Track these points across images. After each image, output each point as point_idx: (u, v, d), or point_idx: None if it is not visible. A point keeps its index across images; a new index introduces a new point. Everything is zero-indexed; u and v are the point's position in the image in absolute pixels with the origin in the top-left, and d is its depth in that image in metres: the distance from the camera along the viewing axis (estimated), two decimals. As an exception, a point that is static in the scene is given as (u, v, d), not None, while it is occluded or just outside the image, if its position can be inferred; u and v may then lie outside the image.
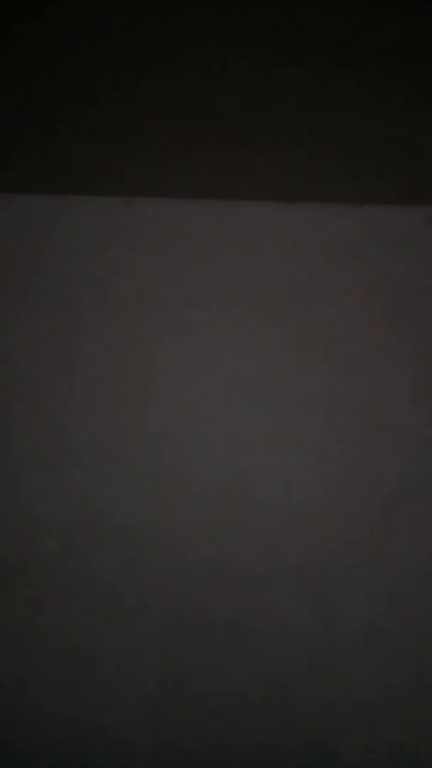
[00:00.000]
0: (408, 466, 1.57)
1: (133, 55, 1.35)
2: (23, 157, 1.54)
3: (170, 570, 1.55)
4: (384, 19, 1.34)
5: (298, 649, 1.54)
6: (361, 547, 1.55)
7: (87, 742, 1.53)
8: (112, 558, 1.55)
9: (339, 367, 1.58)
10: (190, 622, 1.54)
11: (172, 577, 1.55)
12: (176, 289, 1.59)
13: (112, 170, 1.57)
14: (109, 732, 1.53)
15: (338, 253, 1.60)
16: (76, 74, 1.38)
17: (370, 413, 1.57)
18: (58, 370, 1.57)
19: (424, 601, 1.54)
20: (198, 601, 1.54)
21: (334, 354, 1.58)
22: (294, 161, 1.55)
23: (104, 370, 1.58)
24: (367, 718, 1.53)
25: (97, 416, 1.57)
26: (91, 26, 1.28)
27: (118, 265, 1.60)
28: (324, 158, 1.55)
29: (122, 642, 1.54)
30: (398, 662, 1.54)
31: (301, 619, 1.54)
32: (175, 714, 1.53)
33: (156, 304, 1.59)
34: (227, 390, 1.58)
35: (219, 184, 1.59)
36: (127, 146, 1.53)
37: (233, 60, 1.37)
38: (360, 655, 1.54)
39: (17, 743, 1.53)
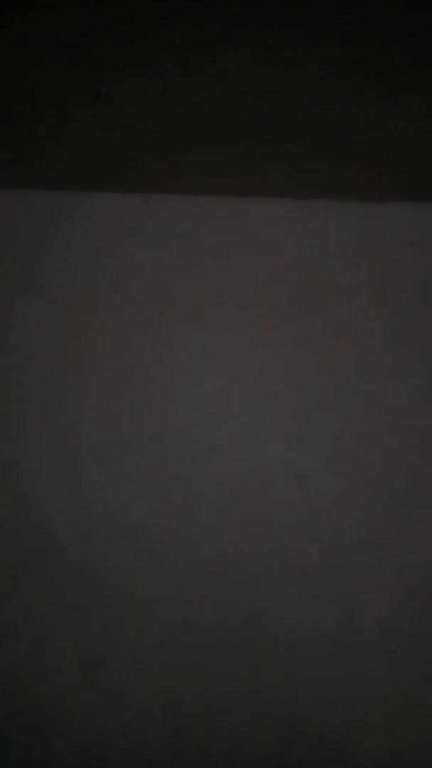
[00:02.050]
0: (423, 464, 1.57)
1: (148, 53, 1.35)
2: (39, 153, 1.54)
3: (185, 566, 1.55)
4: (396, 15, 1.34)
5: (313, 647, 1.54)
6: (376, 544, 1.55)
7: (101, 737, 1.54)
8: (127, 554, 1.55)
9: (354, 365, 1.58)
10: (204, 619, 1.55)
11: (187, 574, 1.55)
12: (191, 285, 1.59)
13: (127, 167, 1.57)
14: (123, 727, 1.54)
15: (354, 250, 1.60)
16: (92, 71, 1.38)
17: (386, 411, 1.57)
18: (72, 366, 1.58)
19: (438, 598, 1.55)
20: (212, 598, 1.55)
21: (349, 351, 1.58)
22: (309, 158, 1.55)
23: (119, 366, 1.58)
24: (382, 716, 1.53)
25: (111, 413, 1.57)
26: (107, 24, 1.28)
27: (133, 261, 1.60)
28: (339, 155, 1.55)
29: (136, 638, 1.55)
30: (413, 660, 1.54)
31: (315, 617, 1.54)
32: (189, 710, 1.54)
33: (171, 301, 1.59)
34: (242, 387, 1.58)
35: (234, 181, 1.59)
36: (142, 143, 1.53)
37: (247, 57, 1.36)
38: (374, 653, 1.54)
39: (32, 736, 1.54)
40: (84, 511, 1.56)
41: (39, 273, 1.60)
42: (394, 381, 1.58)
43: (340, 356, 1.58)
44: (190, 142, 1.52)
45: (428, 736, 1.54)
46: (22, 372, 1.58)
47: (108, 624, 1.55)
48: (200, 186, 1.60)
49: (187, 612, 1.55)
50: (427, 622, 1.55)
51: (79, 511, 1.56)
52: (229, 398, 1.58)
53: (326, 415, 1.57)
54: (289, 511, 1.56)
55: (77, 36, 1.32)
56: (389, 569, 1.55)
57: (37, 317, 1.59)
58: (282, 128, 1.51)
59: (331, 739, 1.53)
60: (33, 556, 1.55)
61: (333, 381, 1.58)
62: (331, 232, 1.60)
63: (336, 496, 1.56)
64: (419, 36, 1.36)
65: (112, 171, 1.58)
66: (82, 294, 1.59)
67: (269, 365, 1.58)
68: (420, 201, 1.61)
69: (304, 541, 1.55)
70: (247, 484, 1.56)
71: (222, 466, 1.56)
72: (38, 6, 1.23)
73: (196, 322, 1.59)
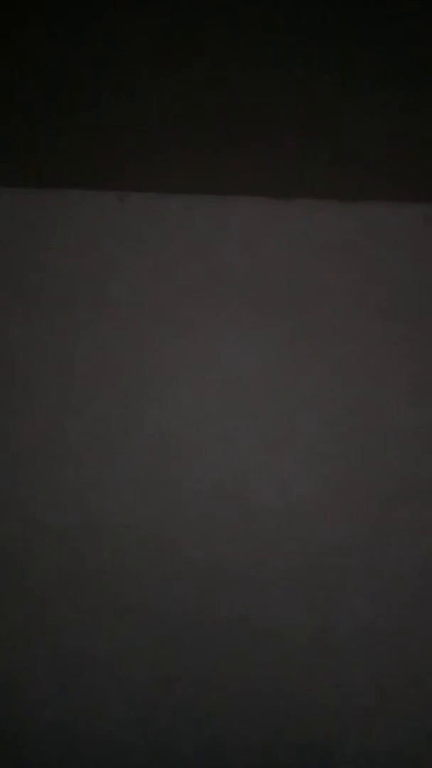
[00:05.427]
0: (404, 466, 1.56)
1: (128, 49, 1.33)
2: (15, 151, 1.52)
3: (165, 571, 1.53)
4: (383, 16, 1.33)
5: (295, 651, 1.53)
6: (357, 547, 1.55)
7: (81, 745, 1.52)
8: (106, 558, 1.53)
9: (335, 366, 1.57)
10: (185, 624, 1.53)
11: (168, 578, 1.53)
12: (171, 285, 1.57)
13: (105, 165, 1.55)
14: (103, 735, 1.52)
15: (335, 250, 1.59)
16: (70, 69, 1.36)
17: (367, 413, 1.57)
18: (52, 368, 1.55)
19: (420, 602, 1.54)
20: (193, 603, 1.53)
21: (331, 353, 1.57)
22: (291, 157, 1.54)
23: (99, 368, 1.56)
24: (365, 720, 1.53)
25: (93, 415, 1.55)
26: (88, 21, 1.26)
27: (112, 261, 1.57)
28: (321, 154, 1.54)
29: (117, 644, 1.53)
30: (395, 664, 1.54)
31: (297, 621, 1.54)
32: (170, 717, 1.52)
33: (151, 301, 1.57)
34: (223, 389, 1.56)
35: (214, 179, 1.57)
36: (121, 140, 1.50)
37: (230, 55, 1.35)
38: (357, 657, 1.54)
39: (11, 746, 1.52)
40: (63, 515, 1.53)
41: (15, 273, 1.57)
42: (376, 383, 1.57)
43: (321, 358, 1.57)
44: (170, 140, 1.51)
45: (410, 737, 1.53)
46: (0, 374, 1.55)
47: (87, 630, 1.53)
48: (179, 184, 1.58)
49: (168, 618, 1.53)
50: (408, 624, 1.54)
51: (58, 514, 1.53)
52: (209, 401, 1.56)
53: (307, 418, 1.56)
54: (271, 514, 1.54)
55: (60, 37, 1.30)
56: (370, 572, 1.55)
57: (13, 318, 1.56)
58: (262, 128, 1.49)
59: (314, 743, 1.53)
60: (12, 560, 1.53)
61: (314, 383, 1.57)
62: (311, 231, 1.59)
63: (317, 499, 1.55)
64: (398, 37, 1.36)
65: (90, 168, 1.56)
66: (58, 295, 1.57)
67: (249, 367, 1.57)
68: (400, 201, 1.60)
69: (286, 544, 1.54)
70: (228, 488, 1.55)
71: (203, 469, 1.55)
72: (26, 7, 1.21)
73: (174, 322, 1.57)
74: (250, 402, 1.56)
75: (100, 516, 1.53)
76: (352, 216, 1.59)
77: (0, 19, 1.24)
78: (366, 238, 1.59)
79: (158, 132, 1.50)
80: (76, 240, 1.57)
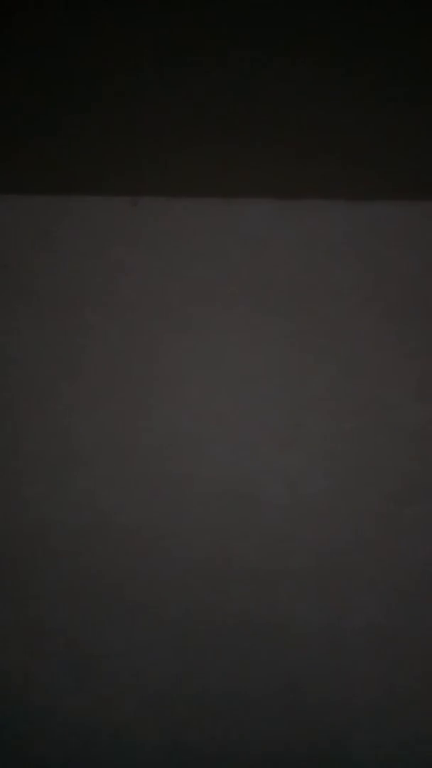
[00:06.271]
0: (413, 464, 1.56)
1: (135, 53, 1.34)
2: (26, 158, 1.54)
3: (176, 569, 1.54)
4: (386, 12, 1.33)
5: (305, 648, 1.54)
6: (367, 545, 1.55)
7: (94, 741, 1.53)
8: (117, 558, 1.54)
9: (343, 365, 1.57)
10: (195, 622, 1.54)
11: (178, 577, 1.54)
12: (180, 287, 1.59)
13: (115, 170, 1.56)
14: (116, 731, 1.53)
15: (342, 249, 1.59)
16: (78, 73, 1.38)
17: (375, 411, 1.57)
18: (62, 370, 1.57)
19: (430, 598, 1.54)
20: (203, 601, 1.54)
21: (339, 351, 1.58)
22: (297, 158, 1.54)
23: (108, 369, 1.57)
24: (375, 716, 1.53)
25: (102, 416, 1.56)
26: (93, 24, 1.27)
27: (122, 264, 1.59)
28: (327, 154, 1.54)
29: (128, 642, 1.54)
30: (405, 660, 1.54)
31: (307, 618, 1.54)
32: (182, 713, 1.53)
33: (160, 303, 1.59)
34: (231, 389, 1.57)
35: (222, 181, 1.58)
36: (130, 145, 1.52)
37: (235, 57, 1.36)
38: (367, 653, 1.53)
39: (24, 742, 1.53)
40: (74, 515, 1.55)
41: (27, 277, 1.59)
42: (384, 380, 1.57)
43: (329, 356, 1.58)
44: (178, 143, 1.52)
45: (421, 734, 1.53)
46: (11, 376, 1.57)
47: (101, 627, 1.54)
48: (188, 187, 1.59)
49: (179, 615, 1.54)
50: (418, 622, 1.54)
51: (70, 514, 1.55)
52: (218, 400, 1.57)
53: (316, 416, 1.57)
54: (280, 512, 1.55)
55: (65, 39, 1.31)
56: (380, 570, 1.55)
57: (26, 321, 1.58)
58: (270, 128, 1.50)
59: (325, 740, 1.53)
60: (26, 560, 1.55)
61: (323, 381, 1.57)
62: (320, 231, 1.60)
63: (327, 496, 1.55)
64: (402, 33, 1.36)
65: (100, 174, 1.57)
66: (71, 298, 1.59)
67: (259, 366, 1.58)
68: (408, 199, 1.60)
69: (295, 542, 1.55)
70: (238, 486, 1.55)
71: (212, 468, 1.56)
72: (29, 7, 1.23)
73: (185, 323, 1.58)
74: (258, 401, 1.57)
75: (109, 516, 1.55)
76: (359, 215, 1.60)
77: (1, 21, 1.26)
78: (373, 236, 1.60)
79: (166, 136, 1.51)
80: (86, 244, 1.59)
